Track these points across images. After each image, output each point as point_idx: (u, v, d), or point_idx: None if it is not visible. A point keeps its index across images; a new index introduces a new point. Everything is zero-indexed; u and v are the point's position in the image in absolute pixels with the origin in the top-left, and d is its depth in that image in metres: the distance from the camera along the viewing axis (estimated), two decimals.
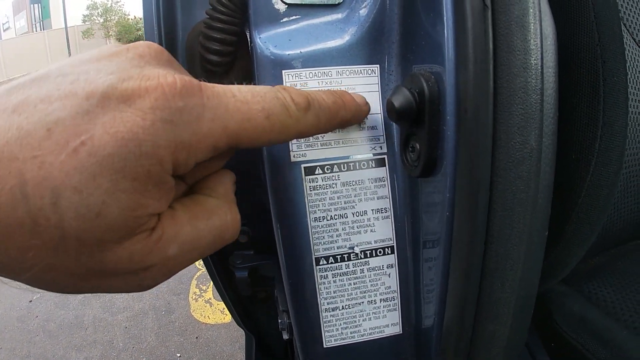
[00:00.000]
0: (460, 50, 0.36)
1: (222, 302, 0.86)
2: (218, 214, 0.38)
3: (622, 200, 0.68)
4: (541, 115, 0.38)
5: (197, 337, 2.42)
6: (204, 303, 2.66)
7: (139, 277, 0.33)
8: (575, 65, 0.52)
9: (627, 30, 0.66)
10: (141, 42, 0.35)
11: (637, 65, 0.65)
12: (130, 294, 2.76)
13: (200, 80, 0.35)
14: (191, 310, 2.61)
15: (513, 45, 0.37)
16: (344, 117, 0.43)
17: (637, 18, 0.66)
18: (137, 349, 2.36)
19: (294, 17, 0.49)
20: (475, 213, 0.38)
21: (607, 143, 0.53)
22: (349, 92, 0.46)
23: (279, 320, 0.71)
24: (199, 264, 2.88)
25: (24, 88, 0.29)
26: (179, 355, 2.31)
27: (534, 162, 0.38)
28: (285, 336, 0.72)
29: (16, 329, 2.57)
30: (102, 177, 0.28)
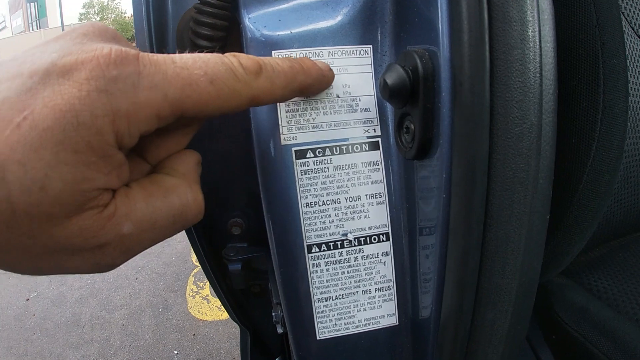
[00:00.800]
0: (454, 22, 0.35)
1: (215, 293, 0.85)
2: (177, 193, 0.37)
3: (622, 191, 0.68)
4: (540, 90, 0.36)
5: (194, 334, 2.41)
6: (201, 300, 2.65)
7: (95, 255, 0.33)
8: (573, 47, 0.51)
9: (625, 19, 0.65)
10: (87, 22, 0.36)
11: (635, 53, 0.64)
12: (126, 291, 2.76)
13: None
14: (188, 307, 2.60)
15: (509, 16, 0.35)
16: (304, 82, 0.41)
17: (635, 6, 0.65)
18: (134, 347, 2.36)
19: None
20: (472, 192, 0.37)
21: (608, 127, 0.52)
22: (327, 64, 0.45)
23: (273, 314, 0.70)
24: (197, 261, 2.88)
25: None
26: (176, 352, 2.31)
27: (534, 138, 0.36)
28: (280, 330, 0.71)
29: (13, 328, 2.57)
30: (43, 150, 0.28)
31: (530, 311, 0.44)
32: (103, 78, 0.30)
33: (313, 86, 0.43)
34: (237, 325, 0.97)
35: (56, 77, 0.29)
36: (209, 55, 0.35)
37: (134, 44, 0.38)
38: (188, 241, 0.71)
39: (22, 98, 0.28)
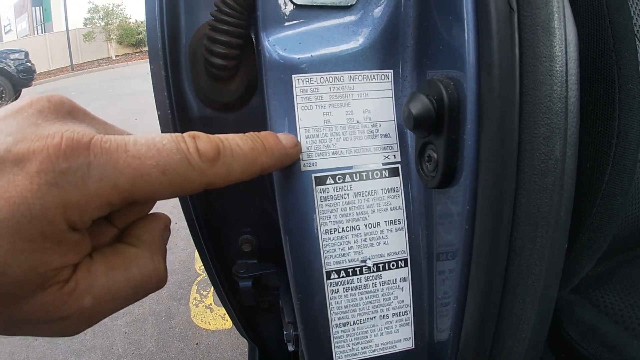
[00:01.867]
0: (484, 55, 0.35)
1: (223, 308, 0.84)
2: (138, 265, 0.37)
3: (630, 207, 0.68)
4: (565, 125, 0.36)
5: (197, 343, 2.40)
6: (204, 309, 2.64)
7: (60, 326, 0.34)
8: (589, 71, 0.51)
9: (638, 39, 0.64)
10: (44, 95, 0.35)
11: None
12: None
13: (112, 130, 0.37)
14: (192, 316, 2.59)
15: (539, 51, 0.35)
16: (265, 163, 0.40)
17: None
18: (136, 355, 2.35)
19: (304, 19, 0.47)
20: (498, 227, 0.37)
21: (622, 151, 0.51)
22: (281, 133, 0.44)
23: (285, 332, 0.69)
24: (200, 269, 2.87)
25: None
26: None
27: (558, 173, 0.36)
28: (291, 348, 0.70)
29: None
30: (1, 240, 0.29)
31: (545, 337, 0.44)
32: (53, 171, 0.30)
33: (274, 166, 0.42)
34: (240, 334, 0.96)
35: (11, 166, 0.30)
36: (165, 140, 0.35)
37: (91, 121, 0.38)
38: (191, 249, 0.71)
39: None
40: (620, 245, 0.72)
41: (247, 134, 0.41)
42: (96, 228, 0.38)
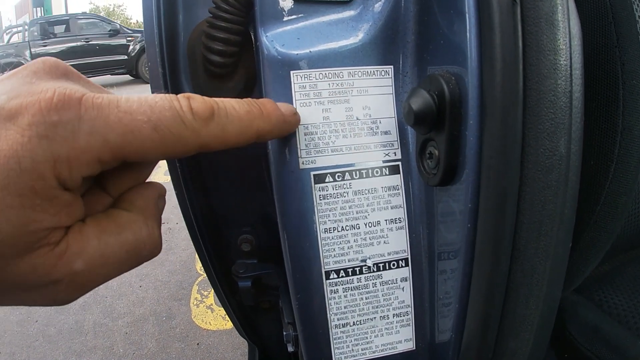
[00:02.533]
0: (487, 48, 0.34)
1: (223, 307, 0.84)
2: (131, 229, 0.37)
3: (633, 206, 0.67)
4: (570, 120, 0.35)
5: (198, 344, 2.40)
6: (205, 309, 2.64)
7: (50, 291, 0.33)
8: (593, 68, 0.50)
9: None
10: (39, 58, 0.35)
11: None
12: (130, 299, 2.75)
13: (104, 92, 0.35)
14: (192, 316, 2.59)
15: (542, 44, 0.34)
16: (261, 128, 0.40)
17: None
18: (137, 355, 2.34)
19: (302, 15, 0.47)
20: (502, 225, 0.36)
21: (626, 149, 0.51)
22: (291, 105, 0.44)
23: (284, 332, 0.69)
24: (201, 269, 2.86)
25: None
26: None
27: (562, 170, 0.35)
28: (291, 348, 0.70)
29: (15, 334, 2.55)
30: None
31: (548, 338, 0.44)
32: (44, 123, 0.30)
33: (272, 132, 0.41)
34: (239, 334, 0.96)
35: (3, 122, 0.30)
36: (157, 98, 0.34)
37: (85, 81, 0.37)
38: (192, 249, 0.70)
39: None
40: (624, 245, 0.71)
41: (244, 99, 0.40)
42: (90, 196, 0.38)
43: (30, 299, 0.34)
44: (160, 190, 0.41)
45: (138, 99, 0.34)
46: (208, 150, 0.37)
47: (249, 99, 0.40)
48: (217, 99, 0.37)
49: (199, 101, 0.36)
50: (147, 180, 0.42)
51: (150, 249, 0.38)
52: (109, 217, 0.36)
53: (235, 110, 0.38)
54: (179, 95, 0.36)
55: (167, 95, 0.35)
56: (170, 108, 0.34)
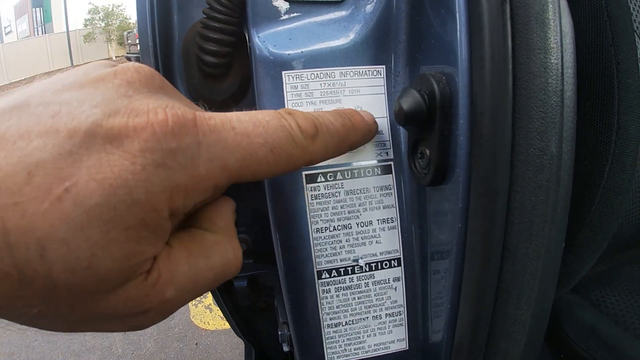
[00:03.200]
0: (476, 47, 0.34)
1: (219, 307, 0.84)
2: (218, 251, 0.35)
3: (631, 206, 0.67)
4: (561, 119, 0.35)
5: (196, 344, 2.40)
6: (203, 309, 2.64)
7: (137, 320, 0.31)
8: (587, 67, 0.50)
9: (638, 36, 0.64)
10: (130, 64, 0.32)
11: None
12: None
13: (198, 109, 0.33)
14: (191, 316, 2.59)
15: (532, 43, 0.34)
16: (354, 140, 0.40)
17: None
18: (136, 355, 2.35)
19: (294, 15, 0.47)
20: (492, 225, 0.36)
21: (622, 148, 0.51)
22: (357, 109, 0.43)
23: (279, 332, 0.69)
24: None
25: (2, 116, 0.26)
26: None
27: (554, 170, 0.35)
28: (286, 348, 0.70)
29: (14, 334, 2.55)
30: (90, 229, 0.25)
31: (542, 339, 0.44)
32: (161, 151, 0.27)
33: (361, 143, 0.41)
34: (236, 334, 0.96)
35: (102, 143, 0.26)
36: (267, 116, 0.33)
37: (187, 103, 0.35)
38: None
39: (60, 164, 0.25)
40: (621, 244, 0.71)
41: (333, 110, 0.39)
42: None
43: (110, 328, 0.32)
44: (233, 205, 0.40)
45: (249, 118, 0.33)
46: (311, 165, 0.37)
47: (337, 110, 0.40)
48: (314, 114, 0.37)
49: (302, 118, 0.35)
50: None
51: (235, 269, 0.36)
52: (195, 240, 0.34)
53: (333, 125, 0.37)
54: (282, 112, 0.35)
55: (273, 112, 0.34)
56: (282, 128, 0.33)
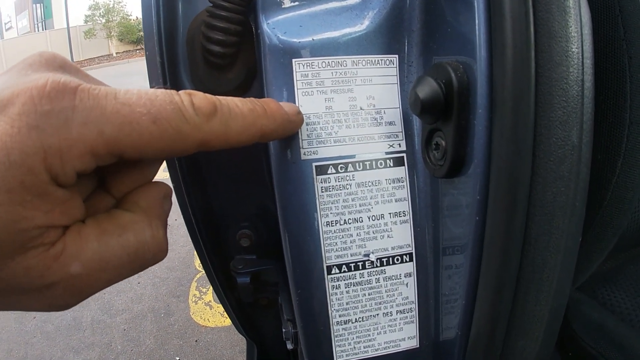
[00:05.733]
0: (497, 36, 0.33)
1: (221, 304, 0.83)
2: (133, 230, 0.35)
3: (637, 204, 0.66)
4: (582, 109, 0.34)
5: (196, 341, 2.39)
6: (203, 306, 2.64)
7: (45, 296, 0.32)
8: (600, 61, 0.49)
9: None
10: (37, 51, 0.34)
11: None
12: (128, 296, 2.75)
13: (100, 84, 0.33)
14: (191, 313, 2.59)
15: (554, 30, 0.33)
16: (265, 127, 0.38)
17: None
18: (135, 352, 2.34)
19: (305, 2, 0.46)
20: (513, 218, 0.35)
21: (634, 143, 0.50)
22: (279, 103, 0.41)
23: (284, 330, 0.68)
24: (200, 265, 2.86)
25: None
26: (177, 358, 2.29)
27: (575, 161, 0.34)
28: (290, 346, 0.69)
29: (13, 330, 2.55)
30: None
31: (556, 336, 0.43)
32: (35, 113, 0.28)
33: (276, 132, 0.40)
34: (238, 331, 0.95)
35: None
36: (158, 92, 0.33)
37: (83, 74, 0.36)
38: (190, 246, 0.69)
39: None
40: (627, 242, 0.71)
41: (247, 98, 0.39)
42: (93, 198, 0.37)
43: (25, 304, 0.32)
44: (165, 190, 0.39)
45: (138, 91, 0.32)
46: (209, 148, 0.35)
47: (252, 98, 0.39)
48: (219, 97, 0.36)
49: (200, 97, 0.34)
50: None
51: (155, 251, 0.36)
52: (111, 218, 0.35)
53: (238, 108, 0.36)
54: (180, 92, 0.34)
55: (168, 90, 0.33)
56: (171, 102, 0.32)
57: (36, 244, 0.30)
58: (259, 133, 0.38)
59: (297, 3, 0.45)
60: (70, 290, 0.32)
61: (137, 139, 0.31)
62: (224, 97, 0.36)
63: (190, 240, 0.67)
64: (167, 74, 0.52)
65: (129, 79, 11.99)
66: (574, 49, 0.33)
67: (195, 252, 0.72)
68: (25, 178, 0.28)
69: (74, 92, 0.30)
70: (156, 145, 0.32)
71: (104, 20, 24.74)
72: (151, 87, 0.52)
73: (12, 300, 0.32)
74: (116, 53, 24.07)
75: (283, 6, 0.45)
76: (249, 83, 0.55)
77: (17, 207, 0.28)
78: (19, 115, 0.28)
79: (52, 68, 0.32)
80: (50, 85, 0.29)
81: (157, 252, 0.36)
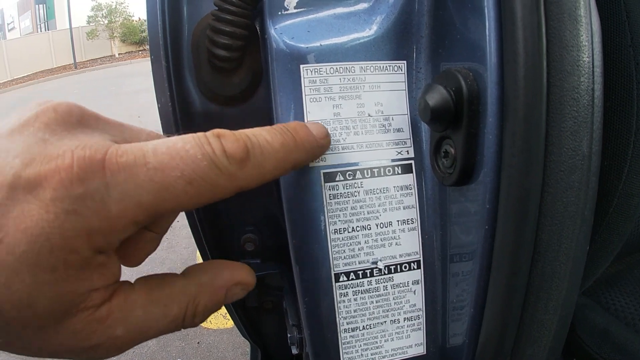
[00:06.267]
0: (509, 44, 0.33)
1: (224, 307, 0.83)
2: (179, 302, 0.35)
3: None
4: (592, 119, 0.34)
5: (198, 343, 2.39)
6: None
7: (88, 354, 0.32)
8: (606, 67, 0.49)
9: None
10: (49, 105, 0.32)
11: None
12: None
13: (123, 134, 0.34)
14: None
15: (566, 40, 0.33)
16: (297, 159, 0.38)
17: None
18: (137, 354, 2.34)
19: (313, 7, 0.45)
20: (523, 227, 0.35)
21: None
22: (305, 124, 0.41)
23: (289, 335, 0.68)
24: None
25: None
26: None
27: (585, 171, 0.34)
28: (295, 351, 0.69)
29: None
30: (24, 273, 0.28)
31: (564, 342, 0.43)
32: (68, 197, 0.28)
33: (307, 161, 0.40)
34: (242, 335, 0.95)
35: (23, 193, 0.28)
36: (187, 144, 0.32)
37: (102, 122, 0.35)
38: (193, 247, 0.69)
39: None
40: (632, 246, 0.71)
41: (275, 126, 0.37)
42: (137, 234, 0.36)
43: (69, 357, 0.33)
44: (245, 280, 0.40)
45: (167, 148, 0.31)
46: (244, 190, 0.35)
47: (279, 125, 0.38)
48: (248, 133, 0.35)
49: (231, 140, 0.33)
50: None
51: (190, 326, 0.37)
52: (162, 286, 0.35)
53: (269, 145, 0.35)
54: (208, 135, 0.33)
55: (196, 137, 0.32)
56: (203, 156, 0.31)
57: (81, 308, 0.30)
58: (290, 166, 0.37)
59: (304, 8, 0.45)
60: (112, 349, 0.33)
61: (174, 202, 0.31)
62: (253, 132, 0.35)
63: (192, 242, 0.67)
64: (172, 77, 0.52)
65: (131, 80, 12.00)
66: (585, 59, 0.33)
67: (197, 254, 0.72)
68: (69, 257, 0.29)
69: (102, 167, 0.29)
70: (193, 201, 0.32)
71: (106, 21, 24.75)
72: (159, 101, 0.51)
73: (61, 355, 0.32)
74: (119, 54, 24.08)
75: (290, 11, 0.45)
76: (255, 87, 0.55)
77: (62, 284, 0.29)
78: (53, 201, 0.28)
79: (70, 126, 0.32)
80: (77, 165, 0.29)
81: (192, 325, 0.37)
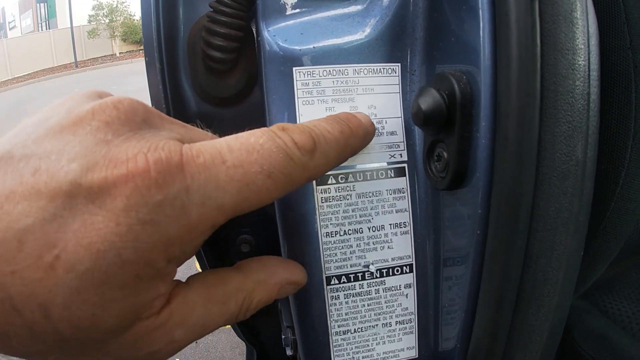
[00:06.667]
0: (502, 47, 0.32)
1: None
2: (236, 299, 0.34)
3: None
4: (587, 124, 0.34)
5: (196, 342, 2.39)
6: None
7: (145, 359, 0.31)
8: (605, 70, 0.49)
9: None
10: (109, 100, 0.29)
11: None
12: None
13: (190, 134, 0.32)
14: None
15: (561, 43, 0.32)
16: (354, 145, 0.37)
17: None
18: None
19: (307, 9, 0.45)
20: (515, 233, 0.34)
21: (638, 154, 0.49)
22: (353, 111, 0.41)
23: (283, 336, 0.67)
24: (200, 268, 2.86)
25: None
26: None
27: (579, 176, 0.34)
28: (289, 352, 0.68)
29: None
30: (86, 292, 0.25)
31: (556, 348, 0.42)
32: (145, 206, 0.26)
33: (360, 147, 0.39)
34: (237, 336, 0.95)
35: (84, 203, 0.25)
36: (260, 139, 0.30)
37: (170, 122, 0.33)
38: None
39: (47, 230, 0.24)
40: (630, 249, 0.70)
41: (329, 116, 0.37)
42: None
43: None
44: (297, 279, 0.40)
45: (241, 144, 0.30)
46: (311, 180, 0.35)
47: (332, 116, 0.38)
48: (309, 125, 0.34)
49: (298, 132, 0.32)
50: None
51: (241, 319, 0.36)
52: (219, 284, 0.34)
53: (330, 134, 0.35)
54: (273, 128, 0.32)
55: (265, 131, 0.31)
56: (278, 149, 0.31)
57: (144, 317, 0.29)
58: (349, 154, 0.37)
59: (298, 10, 0.45)
60: (171, 352, 0.32)
61: (255, 198, 0.30)
62: (313, 124, 0.35)
63: None
64: (166, 80, 0.52)
65: (132, 78, 12.01)
66: (580, 62, 0.33)
67: (194, 256, 0.72)
68: (142, 272, 0.27)
69: (181, 170, 0.27)
70: (270, 197, 0.31)
71: (107, 20, 24.76)
72: (151, 95, 0.51)
73: None
74: (119, 53, 24.11)
75: (284, 13, 0.45)
76: (250, 88, 0.55)
77: (130, 299, 0.27)
78: (126, 211, 0.25)
79: (135, 126, 0.29)
80: (155, 169, 0.26)
81: (243, 319, 0.36)
